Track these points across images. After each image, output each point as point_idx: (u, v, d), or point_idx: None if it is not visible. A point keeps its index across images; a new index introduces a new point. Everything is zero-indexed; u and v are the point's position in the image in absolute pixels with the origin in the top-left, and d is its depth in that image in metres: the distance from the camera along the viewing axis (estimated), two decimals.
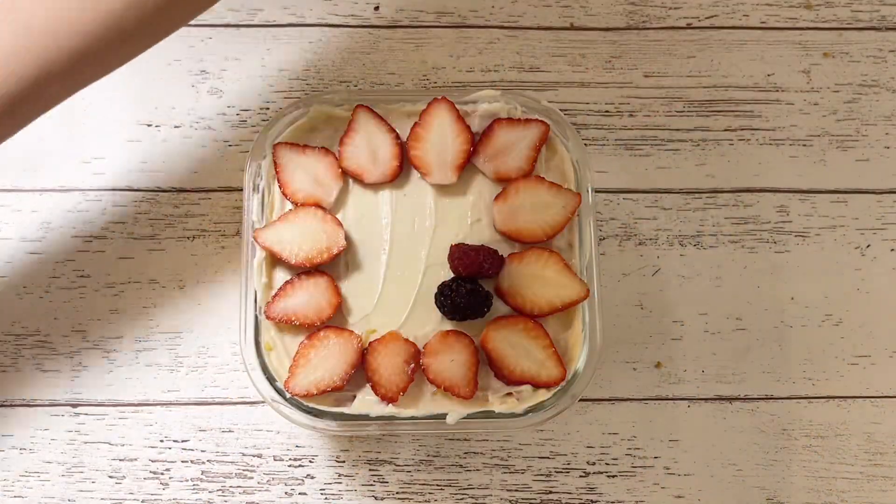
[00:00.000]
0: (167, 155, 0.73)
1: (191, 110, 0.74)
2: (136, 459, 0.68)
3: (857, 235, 0.74)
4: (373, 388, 0.61)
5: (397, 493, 0.68)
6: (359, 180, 0.65)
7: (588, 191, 0.65)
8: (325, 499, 0.68)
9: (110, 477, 0.68)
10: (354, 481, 0.68)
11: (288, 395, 0.61)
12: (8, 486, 0.67)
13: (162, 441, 0.69)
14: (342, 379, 0.61)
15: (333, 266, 0.63)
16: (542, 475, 0.69)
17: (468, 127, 0.65)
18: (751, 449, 0.70)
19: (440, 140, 0.64)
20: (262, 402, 0.63)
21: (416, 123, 0.65)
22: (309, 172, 0.64)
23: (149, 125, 0.74)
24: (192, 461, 0.68)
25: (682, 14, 0.78)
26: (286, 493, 0.68)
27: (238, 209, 0.72)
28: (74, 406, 0.69)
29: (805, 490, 0.69)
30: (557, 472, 0.69)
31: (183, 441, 0.69)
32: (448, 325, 0.63)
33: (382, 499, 0.68)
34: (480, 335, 0.63)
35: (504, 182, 0.65)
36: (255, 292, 0.62)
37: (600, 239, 0.73)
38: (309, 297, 0.62)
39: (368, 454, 0.69)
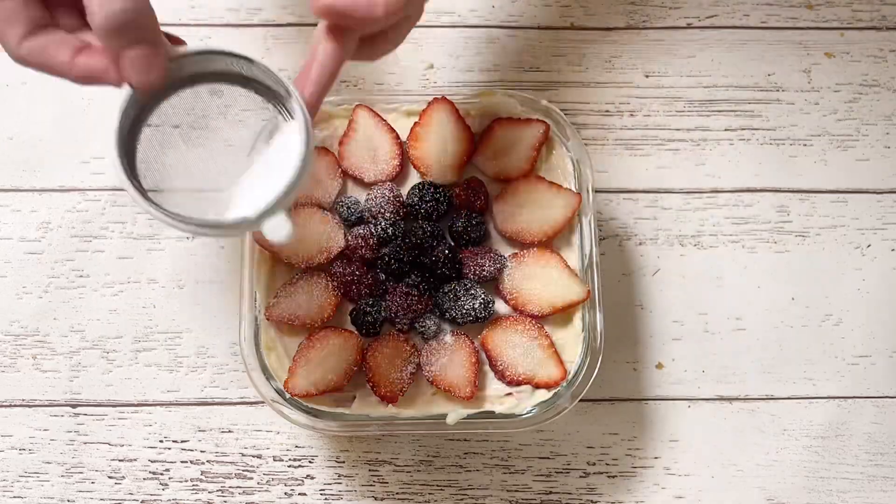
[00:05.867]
0: None
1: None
2: (135, 460, 0.68)
3: (857, 235, 0.74)
4: (373, 388, 0.61)
5: (397, 493, 0.68)
6: (359, 180, 0.65)
7: (588, 191, 0.65)
8: (325, 499, 0.68)
9: (110, 477, 0.68)
10: (354, 481, 0.68)
11: (288, 396, 0.61)
12: (7, 487, 0.67)
13: (161, 441, 0.68)
14: (342, 379, 0.61)
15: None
16: (542, 475, 0.69)
17: (468, 127, 0.65)
18: (751, 449, 0.70)
19: (440, 140, 0.64)
20: (262, 402, 0.63)
21: (416, 123, 0.65)
22: None
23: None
24: (191, 461, 0.68)
25: (682, 14, 0.78)
26: (286, 493, 0.68)
27: None
28: (74, 406, 0.69)
29: (805, 490, 0.69)
30: (557, 473, 0.69)
31: (182, 441, 0.69)
32: (448, 325, 0.63)
33: (382, 499, 0.68)
34: (480, 335, 0.63)
35: (504, 182, 0.65)
36: (255, 292, 0.62)
37: (600, 239, 0.73)
38: (309, 297, 0.62)
39: (368, 454, 0.69)
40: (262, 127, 0.50)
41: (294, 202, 0.54)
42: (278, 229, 0.48)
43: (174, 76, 0.48)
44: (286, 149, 0.49)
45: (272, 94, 0.50)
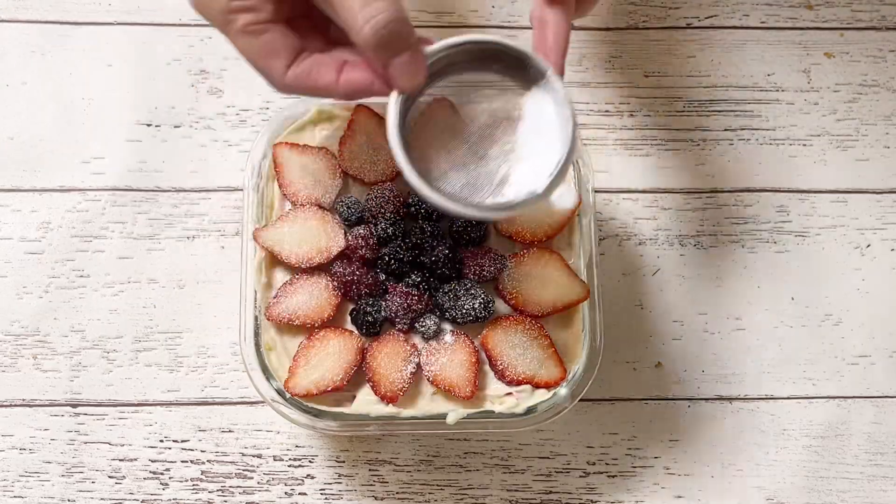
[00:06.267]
0: (167, 155, 0.73)
1: (191, 110, 0.74)
2: (135, 459, 0.68)
3: (857, 235, 0.74)
4: (373, 388, 0.61)
5: (397, 493, 0.68)
6: (359, 180, 0.65)
7: (588, 191, 0.65)
8: (325, 499, 0.68)
9: (110, 477, 0.68)
10: (354, 481, 0.68)
11: (288, 396, 0.61)
12: (8, 487, 0.67)
13: (162, 441, 0.69)
14: (342, 379, 0.61)
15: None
16: (542, 475, 0.69)
17: None
18: (751, 449, 0.70)
19: None
20: (262, 402, 0.63)
21: None
22: (309, 172, 0.64)
23: (149, 125, 0.74)
24: (191, 461, 0.68)
25: (682, 14, 0.78)
26: (286, 493, 0.68)
27: (238, 209, 0.72)
28: (74, 406, 0.69)
29: (805, 490, 0.69)
30: (557, 472, 0.69)
31: (183, 441, 0.69)
32: (448, 325, 0.63)
33: (382, 499, 0.68)
34: (480, 335, 0.63)
35: None
36: (255, 292, 0.62)
37: (600, 239, 0.73)
38: (309, 297, 0.62)
39: (368, 454, 0.69)
40: (516, 104, 0.52)
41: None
42: (566, 197, 0.53)
43: (430, 71, 0.50)
44: (546, 120, 0.51)
45: (520, 71, 0.51)
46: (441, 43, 0.50)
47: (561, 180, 0.50)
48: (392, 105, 0.49)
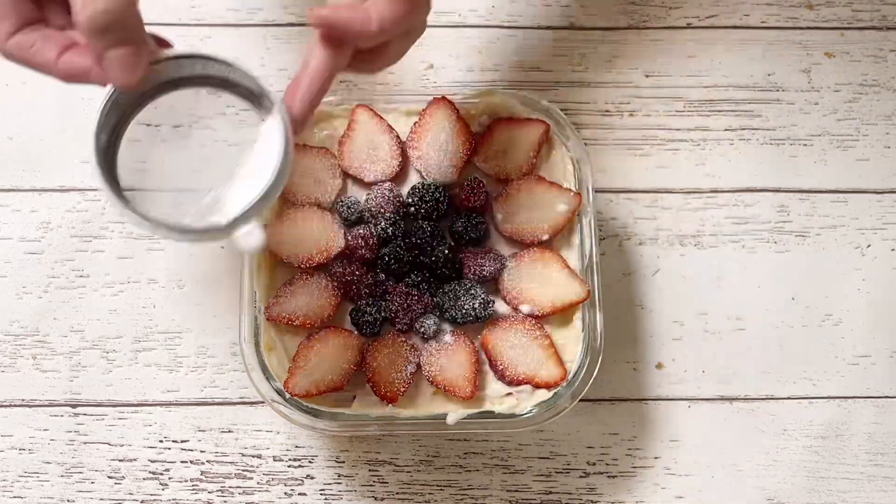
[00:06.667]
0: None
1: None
2: (135, 460, 0.68)
3: (857, 235, 0.74)
4: (373, 388, 0.61)
5: (397, 493, 0.68)
6: (359, 180, 0.65)
7: (588, 191, 0.65)
8: (325, 499, 0.68)
9: (109, 477, 0.68)
10: (354, 481, 0.68)
11: (288, 396, 0.61)
12: (7, 487, 0.67)
13: (161, 441, 0.68)
14: (342, 379, 0.61)
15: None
16: (542, 475, 0.69)
17: (468, 127, 0.65)
18: (751, 449, 0.70)
19: (440, 140, 0.64)
20: (262, 402, 0.63)
21: (415, 123, 0.65)
22: (309, 172, 0.64)
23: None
24: (191, 461, 0.68)
25: (682, 14, 0.78)
26: (286, 493, 0.68)
27: None
28: (73, 406, 0.69)
29: (805, 490, 0.69)
30: (557, 473, 0.69)
31: (182, 441, 0.69)
32: (448, 325, 0.63)
33: (382, 499, 0.68)
34: (480, 335, 0.63)
35: (504, 182, 0.65)
36: (255, 292, 0.62)
37: (600, 239, 0.73)
38: (309, 297, 0.62)
39: (368, 454, 0.69)
40: (245, 132, 0.49)
41: (269, 208, 0.51)
42: (249, 238, 0.47)
43: (158, 79, 0.48)
44: (266, 155, 0.48)
45: (257, 98, 0.49)
46: (174, 49, 0.47)
47: (248, 220, 0.47)
48: (103, 99, 0.47)
